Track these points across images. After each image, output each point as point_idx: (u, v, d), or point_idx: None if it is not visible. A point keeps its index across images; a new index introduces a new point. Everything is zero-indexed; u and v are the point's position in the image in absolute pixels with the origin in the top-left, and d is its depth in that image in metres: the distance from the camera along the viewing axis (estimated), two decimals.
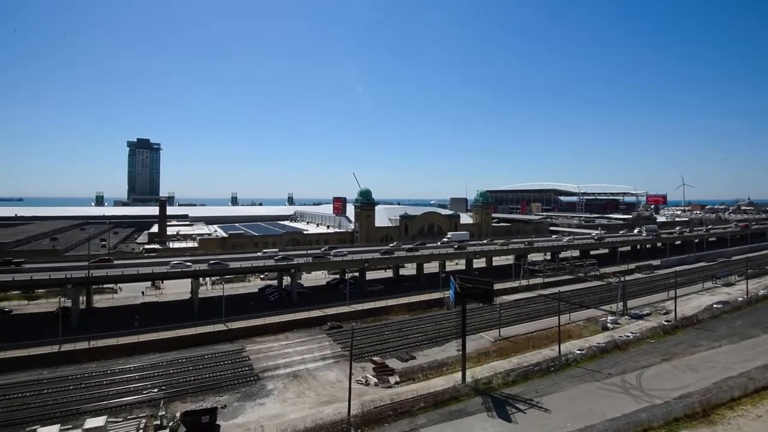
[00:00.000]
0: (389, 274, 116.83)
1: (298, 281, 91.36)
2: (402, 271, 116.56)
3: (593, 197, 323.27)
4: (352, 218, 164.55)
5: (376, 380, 52.62)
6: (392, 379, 52.90)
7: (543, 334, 68.92)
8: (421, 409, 44.36)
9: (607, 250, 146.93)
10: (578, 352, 59.71)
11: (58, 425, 40.94)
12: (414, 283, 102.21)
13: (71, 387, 50.16)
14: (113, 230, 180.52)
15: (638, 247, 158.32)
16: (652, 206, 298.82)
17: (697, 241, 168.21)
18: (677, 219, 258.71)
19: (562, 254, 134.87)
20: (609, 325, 73.87)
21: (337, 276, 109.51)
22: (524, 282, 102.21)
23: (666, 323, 73.11)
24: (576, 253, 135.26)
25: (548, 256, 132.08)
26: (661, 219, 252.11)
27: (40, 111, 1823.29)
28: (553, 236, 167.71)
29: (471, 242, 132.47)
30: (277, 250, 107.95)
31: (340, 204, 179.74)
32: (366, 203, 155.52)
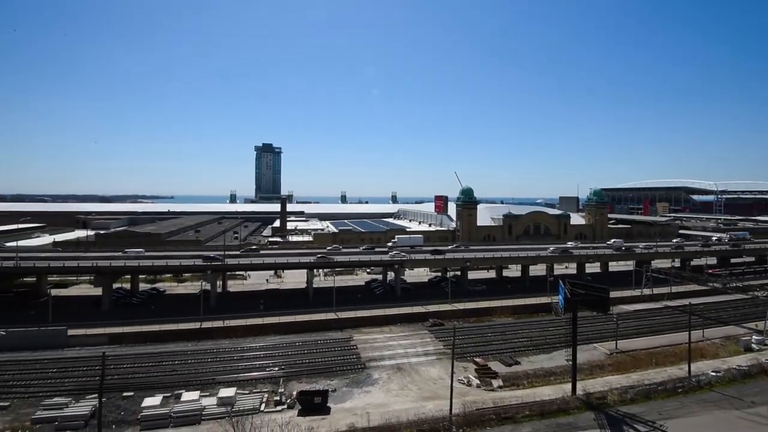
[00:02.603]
0: (492, 274, 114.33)
1: (402, 277, 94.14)
2: (505, 272, 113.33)
3: (735, 196, 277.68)
4: (454, 217, 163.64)
5: (479, 382, 52.32)
6: (495, 383, 52.15)
7: (668, 350, 62.08)
8: (526, 417, 43.07)
9: (752, 258, 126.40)
10: (713, 373, 52.70)
11: (198, 392, 47.54)
12: (518, 286, 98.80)
13: (209, 359, 57.71)
14: (243, 224, 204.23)
15: None
16: None
17: None
18: None
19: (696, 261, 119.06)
20: (754, 345, 63.85)
21: (439, 273, 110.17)
22: (647, 291, 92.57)
23: None
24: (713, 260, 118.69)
25: (677, 263, 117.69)
26: None
27: (188, 125, 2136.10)
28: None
29: (579, 245, 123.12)
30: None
31: (441, 202, 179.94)
32: (468, 202, 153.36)
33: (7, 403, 44.84)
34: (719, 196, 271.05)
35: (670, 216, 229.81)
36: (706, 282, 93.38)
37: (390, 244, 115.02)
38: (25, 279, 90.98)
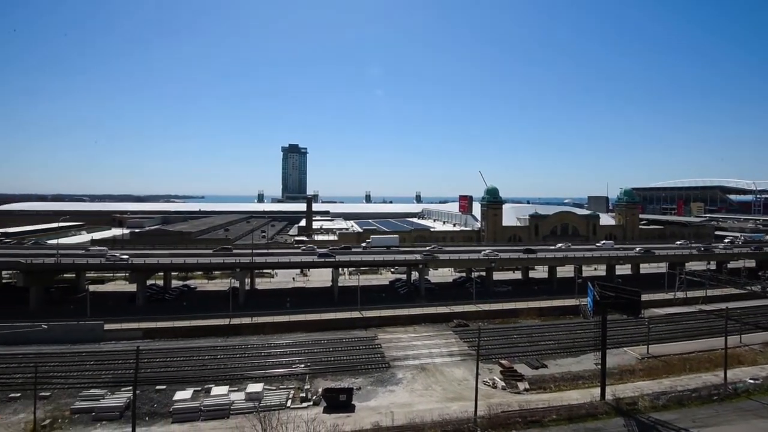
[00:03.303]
0: (518, 275, 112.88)
1: (426, 277, 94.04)
2: (531, 273, 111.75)
3: None
4: (479, 216, 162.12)
5: (504, 384, 51.82)
6: (521, 385, 51.55)
7: (703, 356, 59.96)
8: (553, 421, 42.41)
9: None
10: (751, 381, 50.61)
11: (227, 386, 48.78)
12: (545, 287, 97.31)
13: (237, 355, 59.20)
14: (271, 224, 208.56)
15: None
16: None
17: None
18: None
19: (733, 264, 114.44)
20: None
21: (464, 274, 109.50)
22: (680, 294, 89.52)
23: None
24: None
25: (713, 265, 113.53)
26: None
27: (218, 128, 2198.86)
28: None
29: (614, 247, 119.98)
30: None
31: (466, 202, 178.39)
32: (493, 201, 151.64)
33: (48, 393, 47.17)
34: (758, 196, 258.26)
35: (705, 216, 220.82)
36: (743, 285, 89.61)
37: (364, 244, 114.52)
38: (65, 275, 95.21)
